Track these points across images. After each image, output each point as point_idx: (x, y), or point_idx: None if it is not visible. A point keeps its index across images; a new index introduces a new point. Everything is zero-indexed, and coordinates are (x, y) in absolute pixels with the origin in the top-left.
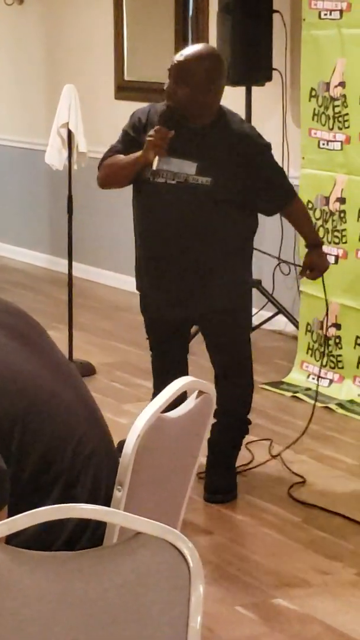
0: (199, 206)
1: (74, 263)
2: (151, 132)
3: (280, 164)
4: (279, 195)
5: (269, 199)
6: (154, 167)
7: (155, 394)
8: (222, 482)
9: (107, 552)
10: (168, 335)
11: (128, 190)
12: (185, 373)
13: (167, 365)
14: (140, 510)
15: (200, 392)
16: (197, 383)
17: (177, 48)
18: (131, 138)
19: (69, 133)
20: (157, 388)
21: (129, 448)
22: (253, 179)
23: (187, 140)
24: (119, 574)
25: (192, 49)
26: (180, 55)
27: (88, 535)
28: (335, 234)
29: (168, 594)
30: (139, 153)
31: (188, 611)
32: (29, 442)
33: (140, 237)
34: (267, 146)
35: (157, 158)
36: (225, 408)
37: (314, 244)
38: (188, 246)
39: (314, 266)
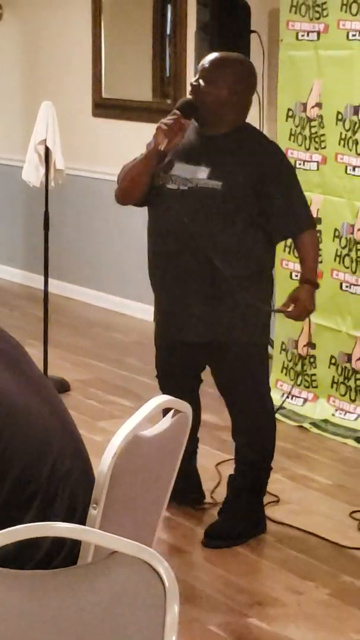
0: (209, 214)
1: (49, 279)
2: (166, 118)
3: None
4: (294, 219)
5: (283, 220)
6: (162, 147)
7: None
8: (223, 526)
9: (83, 570)
10: (177, 364)
11: (104, 208)
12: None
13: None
14: (116, 529)
15: (177, 411)
16: (173, 402)
17: (155, 67)
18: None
19: (47, 150)
20: None
21: (104, 466)
22: (267, 190)
23: (203, 147)
24: (95, 593)
25: (226, 52)
26: (212, 55)
27: (64, 554)
28: None
29: (143, 613)
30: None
31: (163, 631)
32: (7, 459)
33: (149, 249)
34: (291, 167)
35: (166, 141)
36: (242, 448)
37: (310, 281)
38: (198, 260)
39: (299, 303)
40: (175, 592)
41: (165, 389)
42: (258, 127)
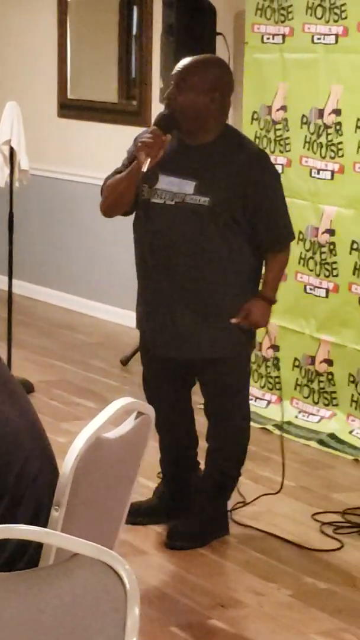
0: (198, 229)
1: (13, 280)
2: (145, 133)
3: None
4: (278, 231)
5: (268, 231)
6: (144, 168)
7: (162, 451)
8: (186, 527)
9: (44, 572)
10: (164, 378)
11: (69, 209)
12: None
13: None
14: (78, 531)
15: (140, 413)
16: (136, 404)
17: (121, 68)
18: (133, 158)
19: (11, 150)
20: (161, 443)
21: (67, 468)
22: (254, 203)
23: (188, 158)
24: (56, 595)
25: (199, 56)
26: (186, 60)
27: (27, 557)
28: None
29: (104, 616)
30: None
31: (124, 633)
32: None
33: (137, 263)
34: (277, 174)
35: (148, 161)
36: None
37: (267, 298)
38: (186, 276)
39: (252, 317)
40: (136, 594)
41: (152, 402)
42: None
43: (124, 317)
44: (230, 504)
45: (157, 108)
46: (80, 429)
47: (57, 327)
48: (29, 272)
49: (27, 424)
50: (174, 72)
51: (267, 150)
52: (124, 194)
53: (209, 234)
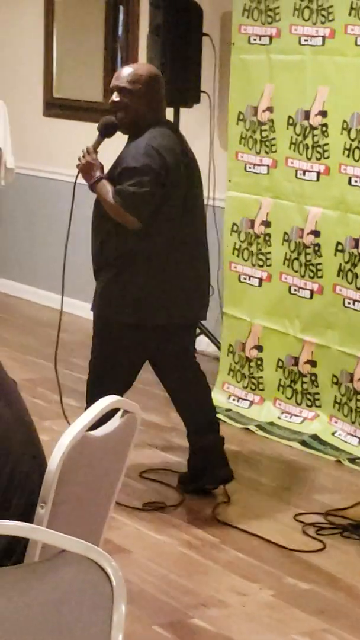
0: (95, 211)
1: None
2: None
3: (205, 186)
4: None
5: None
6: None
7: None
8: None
9: (30, 569)
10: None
11: (53, 207)
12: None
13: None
14: (63, 528)
15: (125, 412)
16: (122, 402)
17: (107, 67)
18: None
19: None
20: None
21: (53, 465)
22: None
23: None
24: (42, 592)
25: (132, 64)
26: (122, 68)
27: (15, 558)
28: (260, 257)
29: (90, 613)
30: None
31: (110, 629)
32: None
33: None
34: (134, 169)
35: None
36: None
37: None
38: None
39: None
40: (123, 591)
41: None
42: (208, 130)
43: None
44: (213, 503)
45: None
46: (63, 427)
47: (38, 325)
48: (12, 269)
49: (19, 426)
50: (112, 81)
51: (253, 151)
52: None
53: (99, 213)
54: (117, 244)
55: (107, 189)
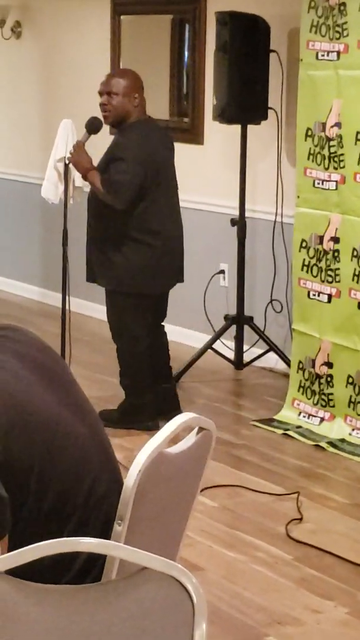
0: (91, 196)
1: (67, 297)
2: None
3: (273, 202)
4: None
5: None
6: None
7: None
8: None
9: (112, 586)
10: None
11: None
12: None
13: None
14: (139, 545)
15: (201, 429)
16: (198, 419)
17: (173, 86)
18: None
19: (66, 167)
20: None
21: (130, 482)
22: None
23: None
24: (124, 608)
25: (116, 70)
26: (107, 75)
27: (95, 573)
28: (329, 272)
29: (172, 630)
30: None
31: None
32: (48, 477)
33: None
34: (120, 159)
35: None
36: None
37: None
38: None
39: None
40: (204, 608)
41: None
42: (276, 146)
43: (181, 335)
44: (285, 520)
45: (209, 125)
46: (134, 444)
47: (108, 343)
48: (80, 287)
49: (96, 445)
50: (100, 85)
51: (321, 167)
52: None
53: (93, 197)
54: (106, 223)
55: (96, 177)
